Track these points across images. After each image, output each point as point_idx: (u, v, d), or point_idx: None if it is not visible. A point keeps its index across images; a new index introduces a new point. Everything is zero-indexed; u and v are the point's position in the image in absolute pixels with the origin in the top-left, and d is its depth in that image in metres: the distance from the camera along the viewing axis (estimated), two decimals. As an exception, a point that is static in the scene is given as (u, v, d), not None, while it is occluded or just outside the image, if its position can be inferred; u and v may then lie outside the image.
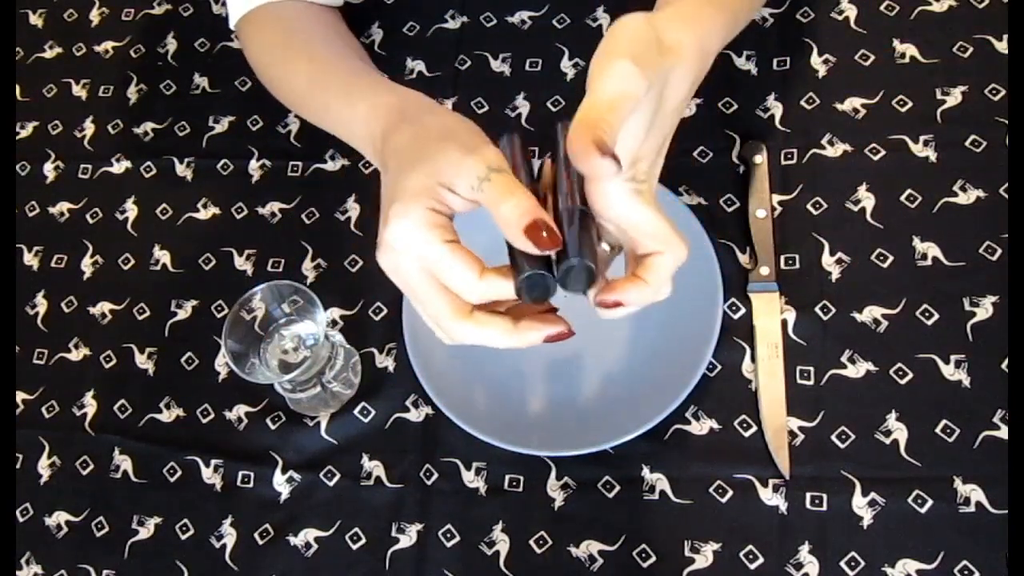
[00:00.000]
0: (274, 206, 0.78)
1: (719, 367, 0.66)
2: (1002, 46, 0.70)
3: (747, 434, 0.64)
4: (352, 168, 0.78)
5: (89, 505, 0.72)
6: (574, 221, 0.45)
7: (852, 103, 0.71)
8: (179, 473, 0.71)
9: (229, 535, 0.69)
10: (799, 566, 0.60)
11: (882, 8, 0.73)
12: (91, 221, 0.82)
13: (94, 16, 0.91)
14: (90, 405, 0.75)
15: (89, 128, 0.86)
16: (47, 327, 0.79)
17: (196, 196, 0.80)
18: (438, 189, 0.47)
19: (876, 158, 0.69)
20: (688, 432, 0.65)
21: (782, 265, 0.68)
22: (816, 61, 0.73)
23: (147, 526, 0.70)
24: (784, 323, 0.66)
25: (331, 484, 0.68)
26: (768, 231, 0.68)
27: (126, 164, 0.83)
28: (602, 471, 0.65)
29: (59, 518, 0.72)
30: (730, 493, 0.63)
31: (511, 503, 0.65)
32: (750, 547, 0.61)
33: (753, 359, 0.66)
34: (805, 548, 0.60)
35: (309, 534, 0.67)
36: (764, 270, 0.67)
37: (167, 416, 0.73)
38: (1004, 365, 0.62)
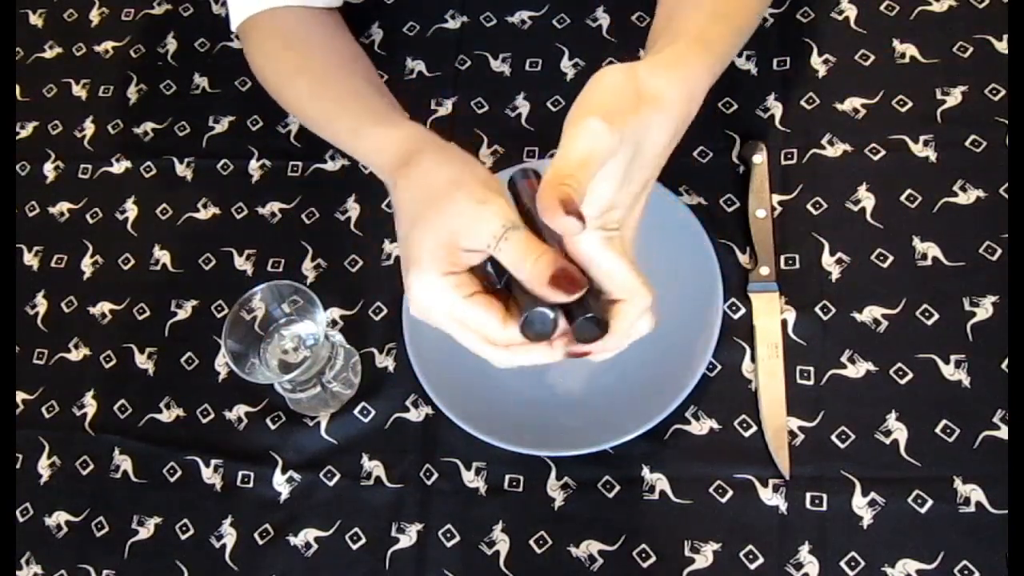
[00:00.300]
0: (274, 206, 0.78)
1: (719, 367, 0.66)
2: (1002, 46, 0.70)
3: (747, 434, 0.64)
4: (352, 168, 0.78)
5: (89, 505, 0.72)
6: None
7: (852, 103, 0.71)
8: (179, 473, 0.71)
9: (229, 535, 0.69)
10: (799, 566, 0.60)
11: (882, 8, 0.73)
12: (91, 221, 0.82)
13: (94, 16, 0.91)
14: (90, 405, 0.75)
15: (89, 128, 0.86)
16: (47, 327, 0.79)
17: (196, 196, 0.80)
18: (453, 251, 0.48)
19: (876, 158, 0.69)
20: (688, 432, 0.65)
21: (782, 265, 0.68)
22: (816, 61, 0.73)
23: (147, 526, 0.70)
24: (784, 323, 0.66)
25: (331, 484, 0.68)
26: (768, 231, 0.68)
27: (126, 164, 0.83)
28: (602, 471, 0.65)
29: (59, 518, 0.72)
30: (730, 493, 0.63)
31: (511, 503, 0.65)
32: (750, 547, 0.61)
33: (753, 359, 0.66)
34: (805, 548, 0.60)
35: (309, 534, 0.67)
36: (764, 270, 0.67)
37: (167, 416, 0.73)
38: (1004, 365, 0.62)
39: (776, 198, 0.70)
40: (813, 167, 0.70)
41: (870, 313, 0.65)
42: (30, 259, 0.82)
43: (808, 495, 0.61)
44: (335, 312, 0.74)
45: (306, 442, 0.70)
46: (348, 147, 0.64)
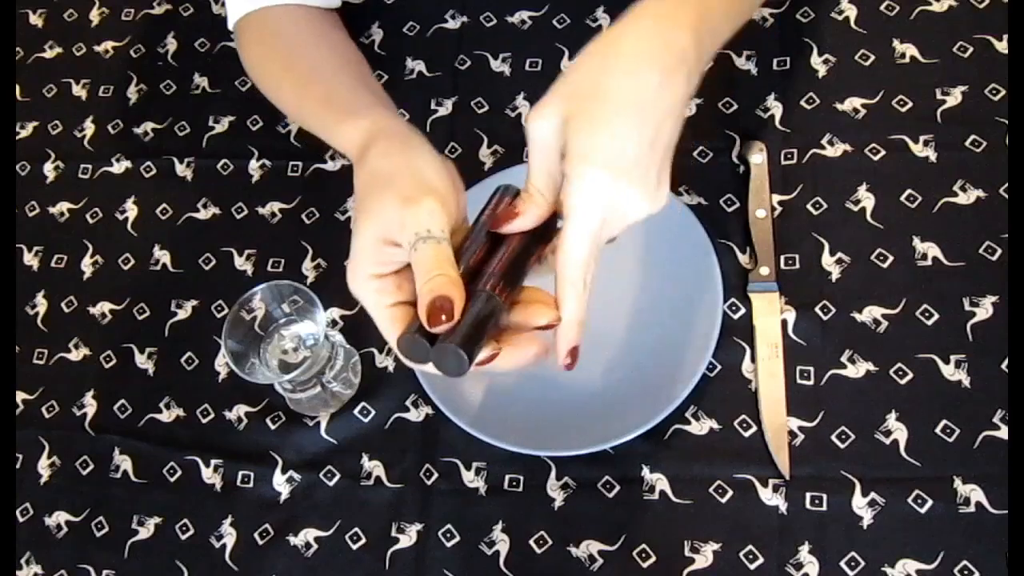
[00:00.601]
0: (274, 206, 0.78)
1: (719, 367, 0.66)
2: (1002, 46, 0.70)
3: (747, 434, 0.64)
4: (352, 168, 0.78)
5: (89, 505, 0.72)
6: (479, 304, 0.47)
7: (852, 103, 0.71)
8: (179, 473, 0.71)
9: (229, 535, 0.69)
10: (799, 566, 0.60)
11: (882, 8, 0.74)
12: (91, 221, 0.82)
13: (94, 16, 0.91)
14: (90, 405, 0.75)
15: (89, 128, 0.86)
16: (47, 327, 0.79)
17: (196, 196, 0.80)
18: (381, 247, 0.49)
19: (876, 158, 0.69)
20: (688, 432, 0.65)
21: (782, 265, 0.68)
22: (816, 61, 0.73)
23: (147, 526, 0.70)
24: (784, 323, 0.66)
25: (331, 484, 0.68)
26: (768, 231, 0.68)
27: (126, 164, 0.83)
28: (602, 471, 0.65)
29: (59, 518, 0.72)
30: (730, 493, 0.63)
31: (511, 503, 0.65)
32: (750, 547, 0.61)
33: (753, 359, 0.66)
34: (805, 548, 0.60)
35: (309, 534, 0.67)
36: (764, 270, 0.67)
37: (167, 416, 0.73)
38: (1004, 365, 0.62)
39: (776, 198, 0.70)
40: (813, 167, 0.70)
41: (870, 313, 0.65)
42: (30, 259, 0.82)
43: (808, 495, 0.61)
44: (335, 312, 0.74)
45: (306, 442, 0.70)
46: (332, 145, 0.64)
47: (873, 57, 0.72)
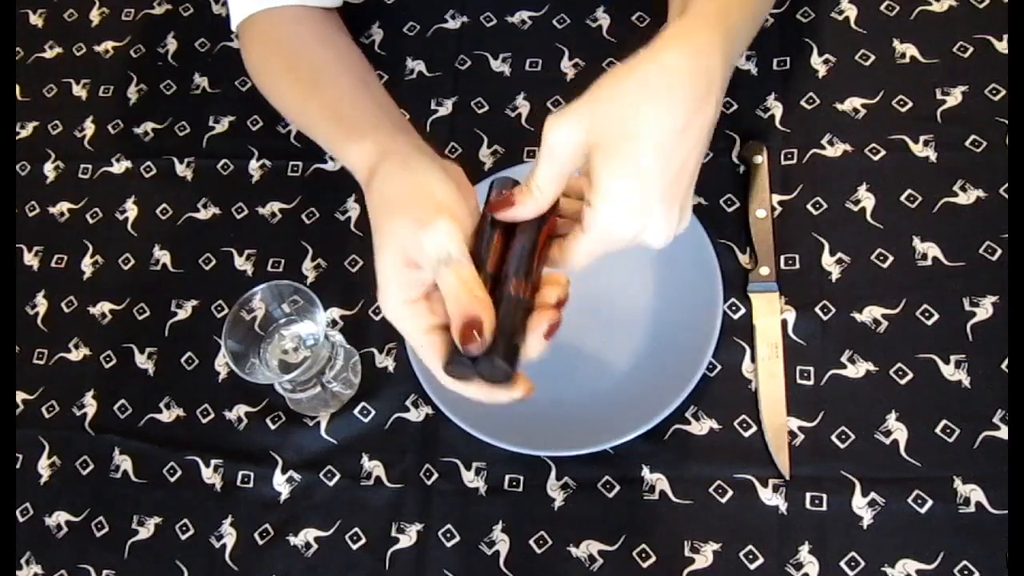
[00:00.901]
0: (274, 206, 0.78)
1: (719, 367, 0.66)
2: (1002, 46, 0.70)
3: (747, 434, 0.64)
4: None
5: (89, 505, 0.72)
6: (507, 308, 0.48)
7: (852, 103, 0.71)
8: (179, 473, 0.71)
9: (229, 535, 0.69)
10: (799, 566, 0.60)
11: (882, 8, 0.74)
12: (91, 221, 0.82)
13: (94, 16, 0.91)
14: (90, 405, 0.75)
15: (89, 128, 0.86)
16: (47, 327, 0.79)
17: (196, 196, 0.80)
18: (405, 270, 0.50)
19: (876, 158, 0.69)
20: (688, 432, 0.65)
21: (782, 265, 0.68)
22: (816, 61, 0.73)
23: (147, 526, 0.70)
24: (784, 323, 0.66)
25: (331, 484, 0.68)
26: (768, 231, 0.68)
27: (126, 164, 0.83)
28: (602, 471, 0.65)
29: (59, 518, 0.72)
30: (730, 493, 0.63)
31: (511, 503, 0.65)
32: (750, 547, 0.61)
33: (753, 359, 0.66)
34: (805, 548, 0.60)
35: (309, 534, 0.67)
36: (764, 270, 0.67)
37: (167, 416, 0.73)
38: (1004, 365, 0.62)
39: (776, 198, 0.70)
40: (813, 167, 0.70)
41: (870, 313, 0.65)
42: (30, 259, 0.82)
43: (808, 495, 0.61)
44: (335, 312, 0.74)
45: (306, 442, 0.70)
46: (336, 159, 0.65)
47: (873, 57, 0.72)
